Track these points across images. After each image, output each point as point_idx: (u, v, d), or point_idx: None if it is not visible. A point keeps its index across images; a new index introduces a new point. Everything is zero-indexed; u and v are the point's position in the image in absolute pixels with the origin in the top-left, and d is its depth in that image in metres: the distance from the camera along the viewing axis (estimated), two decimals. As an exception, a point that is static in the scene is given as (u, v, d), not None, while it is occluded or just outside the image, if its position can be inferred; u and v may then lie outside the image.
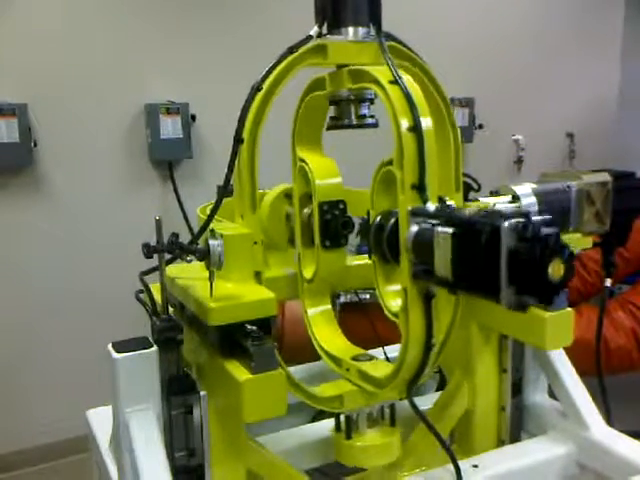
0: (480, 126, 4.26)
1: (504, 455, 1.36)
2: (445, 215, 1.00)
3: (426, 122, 1.07)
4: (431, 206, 1.05)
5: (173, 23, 3.41)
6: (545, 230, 0.86)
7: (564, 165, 4.78)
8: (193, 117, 3.44)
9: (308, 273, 1.34)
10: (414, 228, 1.04)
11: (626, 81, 4.96)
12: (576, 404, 1.37)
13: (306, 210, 1.32)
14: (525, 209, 1.05)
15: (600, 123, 4.86)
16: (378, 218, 1.18)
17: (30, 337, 3.29)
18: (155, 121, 3.35)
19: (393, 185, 1.11)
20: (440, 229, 0.96)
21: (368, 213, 1.21)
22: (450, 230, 0.94)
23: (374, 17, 1.24)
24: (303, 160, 1.31)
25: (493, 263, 0.86)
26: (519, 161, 4.57)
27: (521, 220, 0.86)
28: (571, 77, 4.68)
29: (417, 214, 1.05)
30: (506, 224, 0.85)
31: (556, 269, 0.84)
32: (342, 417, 1.31)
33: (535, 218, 0.87)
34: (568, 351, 1.42)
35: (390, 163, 1.11)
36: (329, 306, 1.39)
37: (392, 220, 1.13)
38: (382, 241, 1.15)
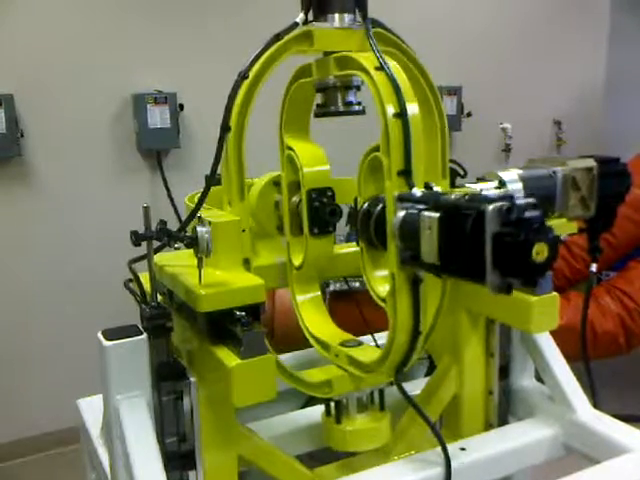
0: (468, 114, 4.27)
1: (492, 438, 1.37)
2: (431, 200, 1.01)
3: (412, 108, 1.08)
4: (417, 192, 1.06)
5: (160, 12, 3.39)
6: (529, 213, 0.87)
7: (552, 152, 4.80)
8: (181, 106, 3.42)
9: (297, 260, 1.35)
10: (401, 213, 1.05)
11: (613, 68, 4.97)
12: (562, 387, 1.39)
13: (295, 198, 1.33)
14: (510, 192, 1.06)
15: (587, 110, 4.88)
16: (365, 204, 1.18)
17: (19, 327, 3.27)
18: (143, 111, 3.33)
19: (380, 172, 1.11)
20: (426, 214, 0.97)
21: (356, 200, 1.22)
22: (436, 214, 0.95)
23: (360, 3, 1.24)
24: (291, 148, 1.32)
25: (478, 246, 0.87)
26: (507, 149, 4.58)
27: (505, 204, 0.87)
28: (558, 65, 4.69)
29: (404, 199, 1.05)
30: (490, 208, 0.86)
31: (540, 251, 0.85)
32: (332, 402, 1.32)
33: (519, 201, 0.88)
34: (556, 337, 1.44)
35: (377, 149, 1.12)
36: (318, 293, 1.40)
37: (379, 206, 1.14)
38: (369, 227, 1.16)
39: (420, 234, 0.98)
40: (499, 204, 0.87)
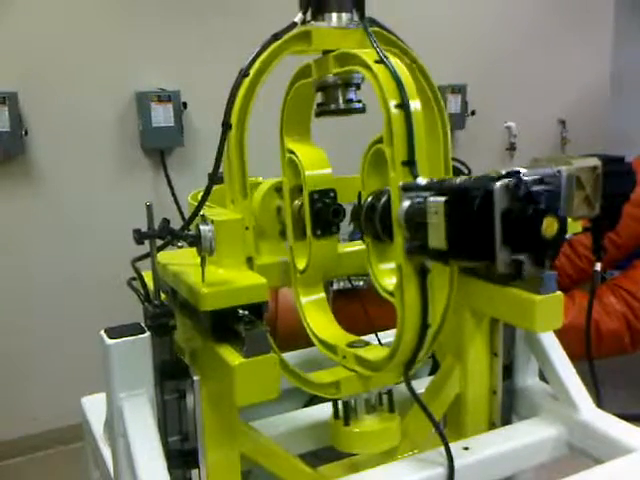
0: (472, 113, 4.26)
1: (495, 437, 1.37)
2: (436, 186, 1.00)
3: (413, 99, 1.07)
4: (422, 180, 1.06)
5: (163, 10, 3.38)
6: (537, 188, 0.86)
7: (556, 152, 4.78)
8: (184, 105, 3.42)
9: (300, 264, 1.34)
10: (406, 203, 1.05)
11: (617, 67, 4.95)
12: (566, 386, 1.39)
13: (296, 202, 1.32)
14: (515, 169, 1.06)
15: (592, 110, 4.86)
16: (370, 198, 1.18)
17: (21, 325, 3.27)
18: (146, 109, 3.32)
19: (383, 165, 1.11)
20: (432, 199, 0.97)
21: (359, 195, 1.22)
22: (442, 199, 0.95)
23: (358, 3, 1.24)
24: (292, 151, 1.32)
25: (487, 225, 0.86)
26: (512, 148, 4.56)
27: (512, 180, 0.86)
28: (563, 63, 4.67)
29: (408, 189, 1.05)
30: (498, 185, 0.85)
31: (549, 226, 0.85)
32: (340, 404, 1.31)
33: (526, 177, 0.87)
34: (560, 336, 1.43)
35: (380, 141, 1.12)
36: (322, 295, 1.40)
37: (384, 198, 1.14)
38: (374, 220, 1.16)
39: (427, 220, 0.98)
40: (506, 181, 0.86)
